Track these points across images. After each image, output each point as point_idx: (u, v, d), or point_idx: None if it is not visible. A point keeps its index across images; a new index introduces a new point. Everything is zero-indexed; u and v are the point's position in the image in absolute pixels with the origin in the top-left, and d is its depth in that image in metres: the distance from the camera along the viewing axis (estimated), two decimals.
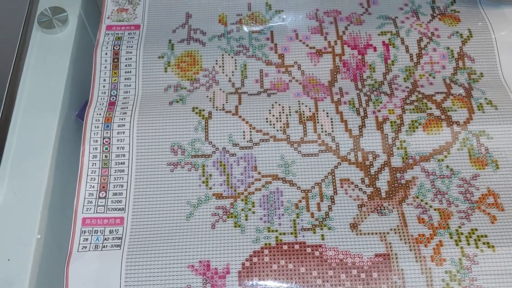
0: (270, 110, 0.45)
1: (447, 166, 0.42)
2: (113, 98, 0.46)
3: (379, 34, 0.48)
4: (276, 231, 0.40)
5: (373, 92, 0.45)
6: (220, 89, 0.46)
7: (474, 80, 0.46)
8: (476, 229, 0.39)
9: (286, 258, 0.38)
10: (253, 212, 0.41)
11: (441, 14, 0.50)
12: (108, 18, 0.50)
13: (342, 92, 0.45)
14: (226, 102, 0.45)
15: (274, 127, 0.44)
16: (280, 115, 0.44)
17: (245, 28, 0.49)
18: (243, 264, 0.38)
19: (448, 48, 0.48)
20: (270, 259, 0.38)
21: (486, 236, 0.39)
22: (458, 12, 0.50)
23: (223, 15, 0.50)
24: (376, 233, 0.39)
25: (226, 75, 0.47)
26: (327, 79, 0.46)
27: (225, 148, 0.43)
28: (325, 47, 0.48)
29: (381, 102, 0.45)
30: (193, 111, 0.44)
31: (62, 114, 0.46)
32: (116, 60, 0.47)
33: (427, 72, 0.47)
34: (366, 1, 0.50)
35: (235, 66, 0.47)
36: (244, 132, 0.44)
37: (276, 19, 0.50)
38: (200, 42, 0.49)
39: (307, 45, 0.48)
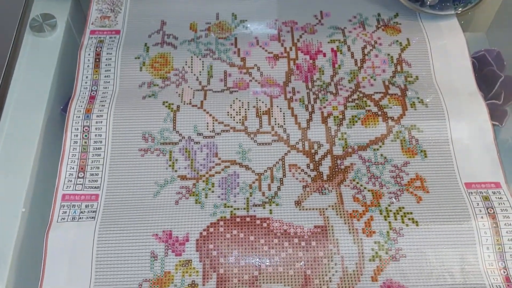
0: (231, 105, 0.51)
1: (382, 155, 0.49)
2: (93, 93, 0.52)
3: (328, 42, 0.55)
4: (231, 206, 0.46)
5: (321, 91, 0.52)
6: (188, 87, 0.52)
7: (410, 82, 0.53)
8: (403, 207, 0.46)
9: (238, 229, 0.44)
10: (212, 192, 0.47)
11: (385, 26, 0.57)
12: (92, 24, 0.57)
13: (294, 91, 0.52)
14: (193, 98, 0.52)
15: (234, 120, 0.50)
16: (240, 110, 0.51)
17: (213, 35, 0.56)
18: (201, 233, 0.44)
19: (388, 54, 0.54)
20: (225, 229, 0.44)
21: (411, 213, 0.45)
22: (400, 24, 0.57)
23: (194, 23, 0.57)
24: (316, 209, 0.45)
25: (194, 75, 0.53)
26: (282, 80, 0.53)
27: (190, 137, 0.49)
28: (282, 52, 0.55)
29: (326, 100, 0.51)
30: (163, 104, 0.51)
31: (48, 108, 0.52)
32: (97, 60, 0.54)
33: (369, 75, 0.53)
34: (320, 13, 0.58)
35: (203, 67, 0.54)
36: (207, 123, 0.50)
37: (240, 27, 0.57)
38: (172, 46, 0.55)
39: (266, 50, 0.55)
